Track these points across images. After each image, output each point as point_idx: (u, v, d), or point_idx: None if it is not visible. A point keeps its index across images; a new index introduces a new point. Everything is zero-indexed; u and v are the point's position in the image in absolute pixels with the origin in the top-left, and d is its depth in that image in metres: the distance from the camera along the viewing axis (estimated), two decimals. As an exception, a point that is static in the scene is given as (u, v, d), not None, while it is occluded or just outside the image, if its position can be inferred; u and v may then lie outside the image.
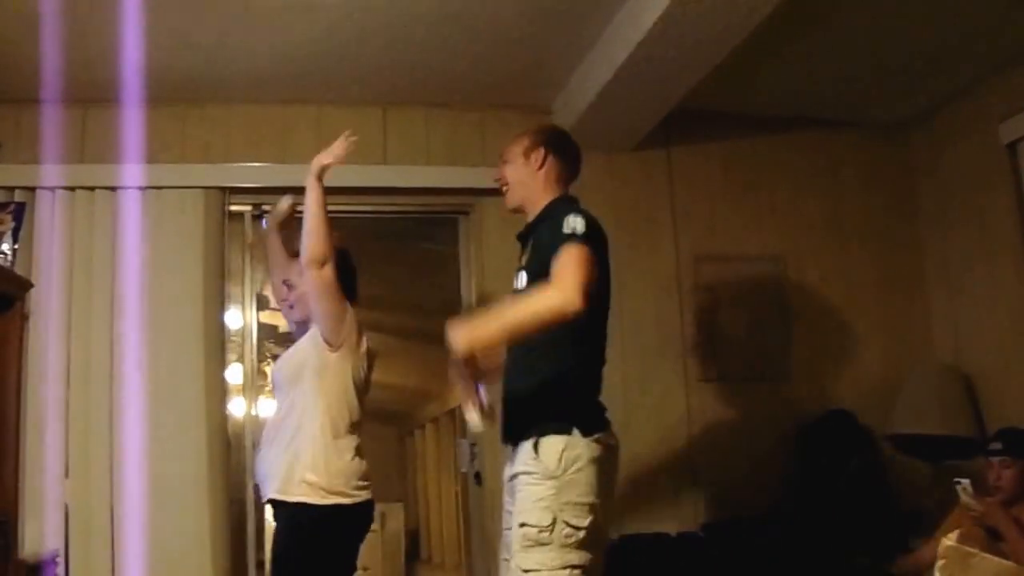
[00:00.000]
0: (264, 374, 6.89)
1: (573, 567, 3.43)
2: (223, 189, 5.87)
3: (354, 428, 4.37)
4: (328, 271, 4.26)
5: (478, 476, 5.93)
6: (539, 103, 6.15)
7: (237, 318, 6.03)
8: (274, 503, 4.26)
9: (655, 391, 6.07)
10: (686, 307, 6.29)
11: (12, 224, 4.95)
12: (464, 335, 3.45)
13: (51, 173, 5.59)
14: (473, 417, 3.55)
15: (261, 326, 6.20)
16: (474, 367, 3.52)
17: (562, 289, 3.39)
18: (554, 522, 3.44)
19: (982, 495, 4.71)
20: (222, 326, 5.84)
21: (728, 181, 6.50)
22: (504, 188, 4.06)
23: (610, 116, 5.58)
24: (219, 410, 5.70)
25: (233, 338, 6.06)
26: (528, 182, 3.95)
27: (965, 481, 4.71)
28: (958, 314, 6.36)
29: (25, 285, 4.84)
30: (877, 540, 5.40)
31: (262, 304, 6.20)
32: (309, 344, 4.38)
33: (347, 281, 4.44)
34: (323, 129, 6.04)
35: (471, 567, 5.94)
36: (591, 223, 3.63)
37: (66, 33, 4.95)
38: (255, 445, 5.70)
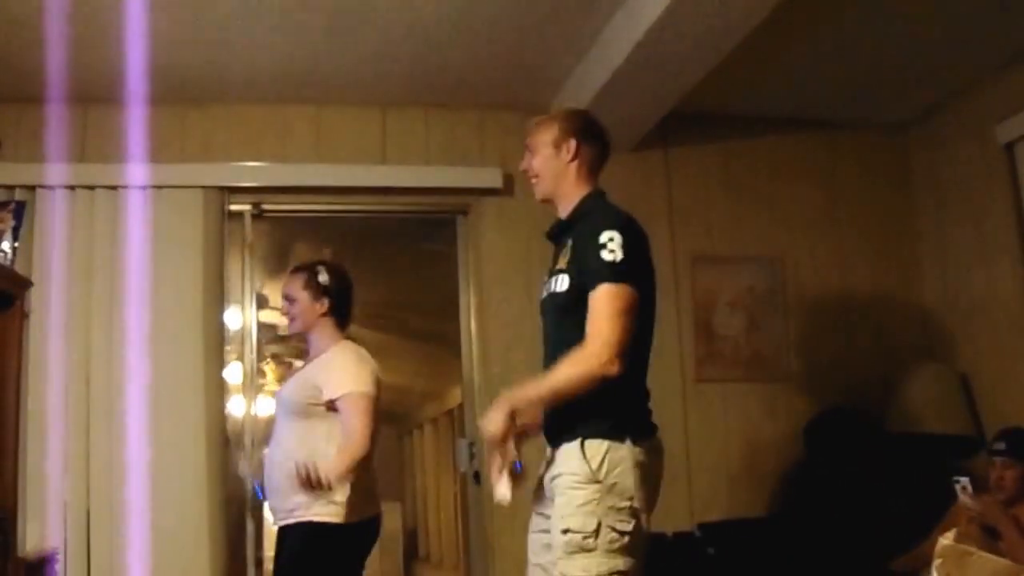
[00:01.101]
0: (263, 373, 6.91)
1: (619, 573, 3.31)
2: (223, 188, 5.87)
3: None
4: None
5: (477, 476, 5.93)
6: (537, 103, 6.13)
7: (236, 317, 6.04)
8: (295, 525, 4.40)
9: (652, 391, 6.05)
10: (683, 307, 6.29)
11: (12, 223, 4.94)
12: (500, 410, 3.40)
13: (52, 172, 5.59)
14: (503, 491, 3.42)
15: (260, 326, 6.20)
16: (509, 438, 3.42)
17: (597, 353, 3.34)
18: (599, 527, 3.32)
19: (981, 494, 4.72)
20: (221, 325, 5.85)
21: (726, 182, 6.51)
22: (533, 179, 3.85)
23: (608, 117, 5.55)
24: (218, 409, 5.71)
25: (232, 338, 6.06)
26: (560, 175, 3.75)
27: (964, 480, 4.71)
28: (956, 314, 6.36)
29: (25, 284, 4.84)
30: (875, 539, 5.40)
31: (261, 304, 6.20)
32: (319, 389, 4.50)
33: (342, 303, 4.74)
34: (322, 129, 6.07)
35: (469, 566, 5.94)
36: (627, 235, 3.49)
37: (68, 33, 4.95)
38: (254, 444, 5.74)
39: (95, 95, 5.68)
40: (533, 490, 3.69)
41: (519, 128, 6.12)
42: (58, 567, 5.16)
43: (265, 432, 5.68)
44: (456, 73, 5.79)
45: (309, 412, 4.48)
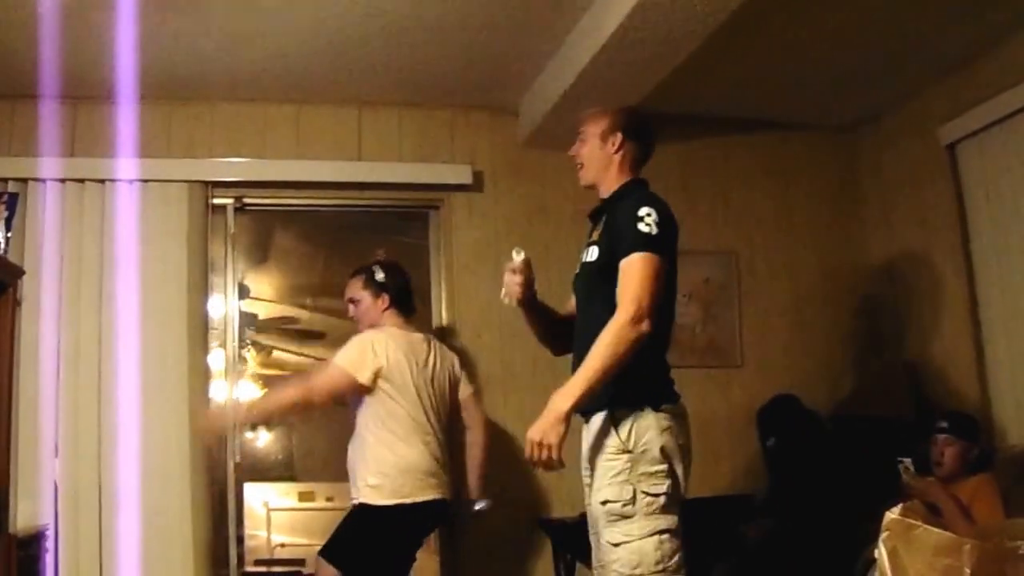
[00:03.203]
0: (245, 359, 6.92)
1: (661, 532, 3.42)
2: (206, 183, 5.89)
3: None
4: None
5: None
6: (506, 104, 6.18)
7: (219, 306, 6.05)
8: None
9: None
10: (643, 298, 6.31)
11: (5, 213, 4.92)
12: (558, 423, 3.32)
13: (43, 165, 5.60)
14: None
15: (242, 314, 6.20)
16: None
17: (630, 317, 3.36)
18: (634, 494, 3.42)
19: (923, 474, 4.79)
20: (205, 314, 5.87)
21: (683, 180, 6.52)
22: (579, 166, 3.92)
23: (573, 117, 5.61)
24: (202, 393, 5.75)
25: (215, 325, 6.08)
26: (604, 164, 3.83)
27: (907, 461, 4.79)
28: (901, 305, 6.43)
29: (17, 272, 4.82)
30: (825, 516, 5.45)
31: (243, 293, 6.21)
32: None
33: (402, 295, 5.08)
34: (302, 127, 6.09)
35: (440, 543, 5.95)
36: (663, 216, 3.57)
37: (60, 32, 4.95)
38: (236, 426, 5.77)
39: (85, 93, 5.69)
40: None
41: (489, 127, 6.22)
42: (49, 544, 5.16)
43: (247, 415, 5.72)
44: (429, 74, 5.81)
45: (357, 400, 4.85)
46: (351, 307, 5.07)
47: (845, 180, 6.85)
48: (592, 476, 3.58)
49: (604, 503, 3.46)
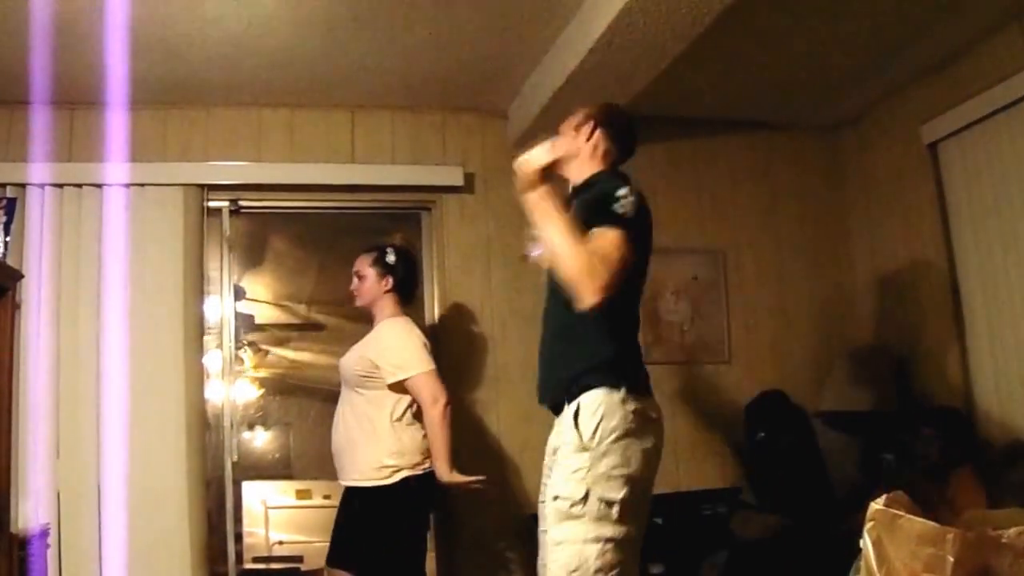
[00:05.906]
0: (241, 360, 6.93)
1: (607, 540, 3.25)
2: (202, 186, 5.89)
3: None
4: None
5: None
6: (496, 107, 6.19)
7: (216, 308, 6.06)
8: (358, 489, 4.79)
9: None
10: (632, 296, 6.32)
11: (4, 218, 4.93)
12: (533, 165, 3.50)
13: (40, 171, 5.59)
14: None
15: (238, 315, 6.21)
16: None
17: (597, 274, 3.25)
18: (587, 495, 3.26)
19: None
20: (201, 315, 5.86)
21: (671, 180, 6.54)
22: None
23: (562, 119, 5.61)
24: (198, 394, 5.73)
25: (211, 327, 6.09)
26: (573, 152, 3.85)
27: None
28: (886, 301, 6.44)
29: (16, 276, 4.83)
30: (808, 511, 5.46)
31: (239, 294, 6.22)
32: (376, 365, 4.84)
33: (407, 282, 5.13)
34: (295, 130, 6.10)
35: (434, 536, 5.96)
36: (641, 203, 3.54)
37: (55, 39, 4.96)
38: (233, 426, 5.78)
39: (82, 98, 5.68)
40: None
41: (480, 129, 6.23)
42: (49, 543, 5.17)
43: (243, 415, 5.72)
44: (420, 78, 5.82)
45: (365, 384, 4.82)
46: (355, 280, 5.10)
47: (829, 178, 6.87)
48: (551, 474, 3.49)
49: (555, 498, 3.34)
